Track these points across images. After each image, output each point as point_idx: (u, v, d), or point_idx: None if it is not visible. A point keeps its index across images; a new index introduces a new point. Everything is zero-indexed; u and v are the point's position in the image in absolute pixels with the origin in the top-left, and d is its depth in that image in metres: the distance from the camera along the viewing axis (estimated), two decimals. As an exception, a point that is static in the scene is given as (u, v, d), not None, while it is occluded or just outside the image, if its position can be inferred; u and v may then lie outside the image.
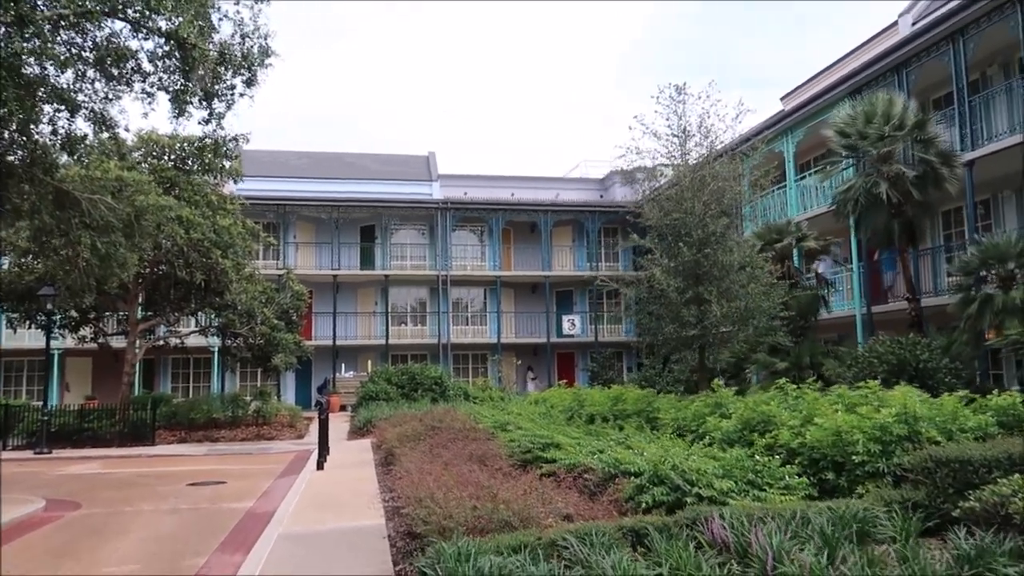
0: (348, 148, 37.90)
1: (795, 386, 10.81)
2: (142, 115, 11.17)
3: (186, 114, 12.21)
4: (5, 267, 20.69)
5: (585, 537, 5.74)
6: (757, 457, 7.80)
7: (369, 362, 31.04)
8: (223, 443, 19.86)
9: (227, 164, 17.05)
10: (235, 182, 20.20)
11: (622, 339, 33.68)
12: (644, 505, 6.81)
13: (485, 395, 23.65)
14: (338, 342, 30.52)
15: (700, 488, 6.99)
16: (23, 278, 19.92)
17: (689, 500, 6.85)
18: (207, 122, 11.86)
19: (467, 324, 33.82)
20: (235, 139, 11.96)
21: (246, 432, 20.92)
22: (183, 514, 10.03)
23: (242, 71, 11.05)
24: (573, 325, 33.10)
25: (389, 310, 31.72)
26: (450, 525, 6.24)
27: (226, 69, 11.35)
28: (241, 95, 11.32)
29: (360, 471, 13.08)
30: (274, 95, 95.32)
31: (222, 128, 11.99)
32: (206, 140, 11.59)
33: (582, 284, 34.29)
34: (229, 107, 11.90)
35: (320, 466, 13.68)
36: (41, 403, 19.05)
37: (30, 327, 22.24)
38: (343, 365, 30.99)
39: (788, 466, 7.75)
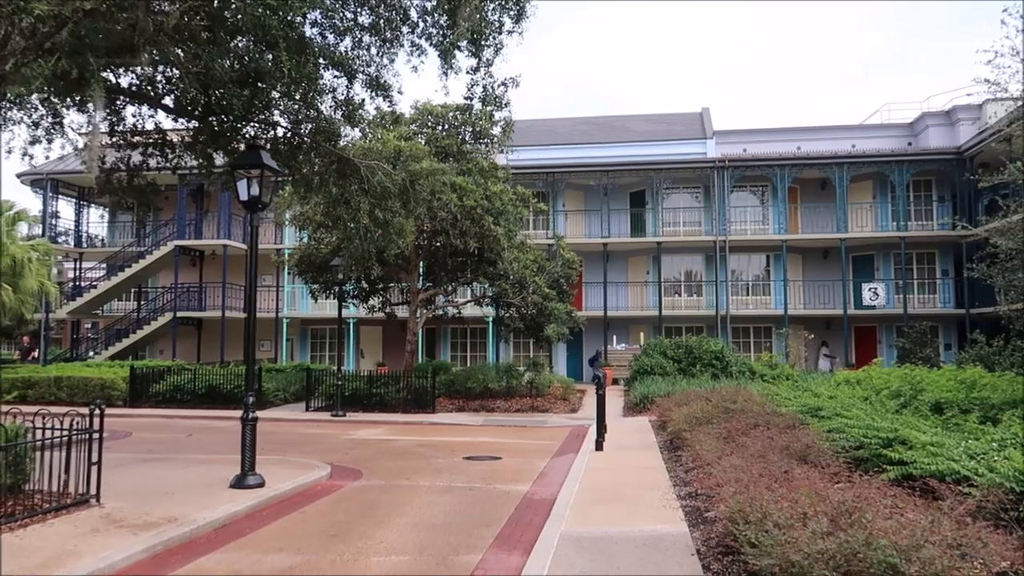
0: (616, 111, 36.35)
1: None
2: (411, 69, 10.66)
3: (454, 67, 11.44)
4: (305, 240, 22.22)
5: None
6: None
7: (641, 334, 29.55)
8: (498, 413, 19.58)
9: (498, 120, 16.32)
10: (507, 136, 19.49)
11: (937, 311, 28.58)
12: None
13: (776, 372, 20.95)
14: (609, 313, 29.39)
15: None
16: (320, 251, 21.21)
17: None
18: (475, 70, 10.96)
19: (747, 294, 30.86)
20: (504, 84, 10.94)
21: (520, 403, 20.50)
22: (457, 494, 9.23)
23: (509, 5, 9.89)
24: (876, 294, 28.69)
25: (661, 279, 29.84)
26: (802, 561, 4.39)
27: (493, 7, 10.31)
28: (509, 32, 10.21)
29: (643, 455, 11.56)
30: (539, 62, 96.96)
31: (491, 76, 11.02)
32: (475, 88, 10.67)
33: (885, 247, 29.63)
34: (497, 51, 10.88)
35: (599, 446, 12.40)
36: (336, 368, 20.11)
37: (328, 297, 23.85)
38: (614, 337, 29.82)
39: None
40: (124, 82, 12.55)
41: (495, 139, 21.09)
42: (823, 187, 30.36)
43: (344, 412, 19.13)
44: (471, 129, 21.03)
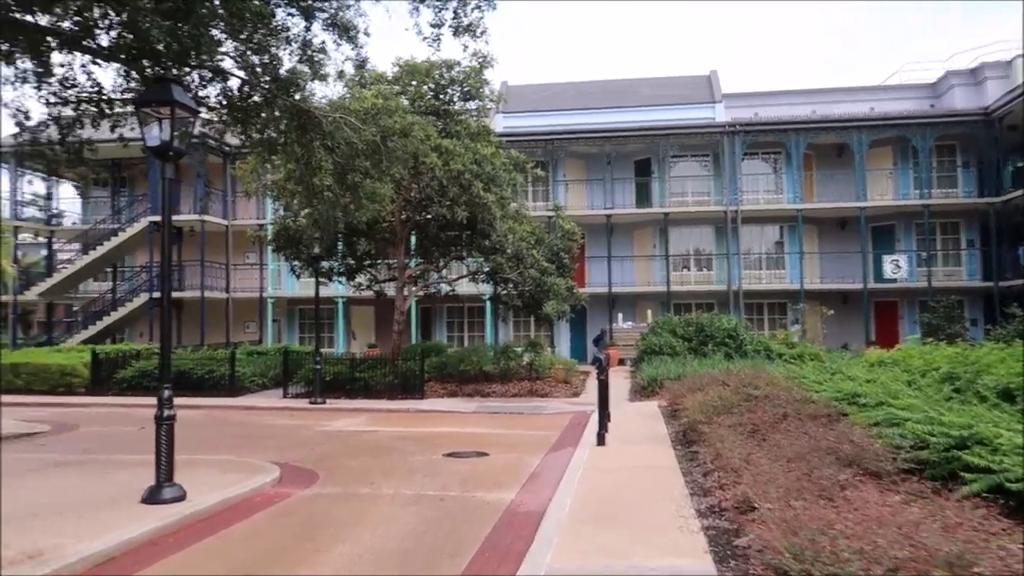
0: (619, 76, 34.16)
1: None
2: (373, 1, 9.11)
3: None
4: (281, 213, 20.49)
5: None
6: None
7: (649, 311, 27.81)
8: (493, 399, 17.94)
9: (483, 69, 14.60)
10: (496, 104, 17.82)
11: (962, 284, 26.74)
12: None
13: (796, 352, 19.20)
14: (614, 289, 27.62)
15: None
16: (297, 224, 19.49)
17: None
18: (447, -2, 9.16)
19: (760, 268, 29.03)
20: (479, 6, 9.12)
21: (518, 387, 18.88)
22: (426, 505, 7.54)
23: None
24: (898, 267, 26.83)
25: (669, 253, 28.03)
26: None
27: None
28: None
29: (653, 451, 9.87)
30: (540, 31, 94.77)
31: (465, 2, 9.20)
32: (443, 14, 8.87)
33: (906, 216, 27.74)
34: (474, -25, 9.08)
35: (601, 440, 10.71)
36: (315, 351, 18.43)
37: (311, 275, 22.12)
38: (620, 315, 28.07)
39: None
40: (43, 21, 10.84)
41: (486, 98, 19.26)
42: (840, 153, 28.43)
43: (324, 399, 17.50)
44: (460, 88, 19.21)
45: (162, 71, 11.01)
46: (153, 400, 18.74)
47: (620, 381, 20.18)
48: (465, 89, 18.94)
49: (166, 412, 7.31)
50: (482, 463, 10.01)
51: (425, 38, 9.41)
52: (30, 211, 30.11)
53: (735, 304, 27.18)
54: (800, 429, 8.23)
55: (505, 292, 21.00)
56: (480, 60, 10.18)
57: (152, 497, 7.08)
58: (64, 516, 6.57)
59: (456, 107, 18.86)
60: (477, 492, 8.12)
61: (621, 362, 25.52)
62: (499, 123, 27.93)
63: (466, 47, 9.43)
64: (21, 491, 7.78)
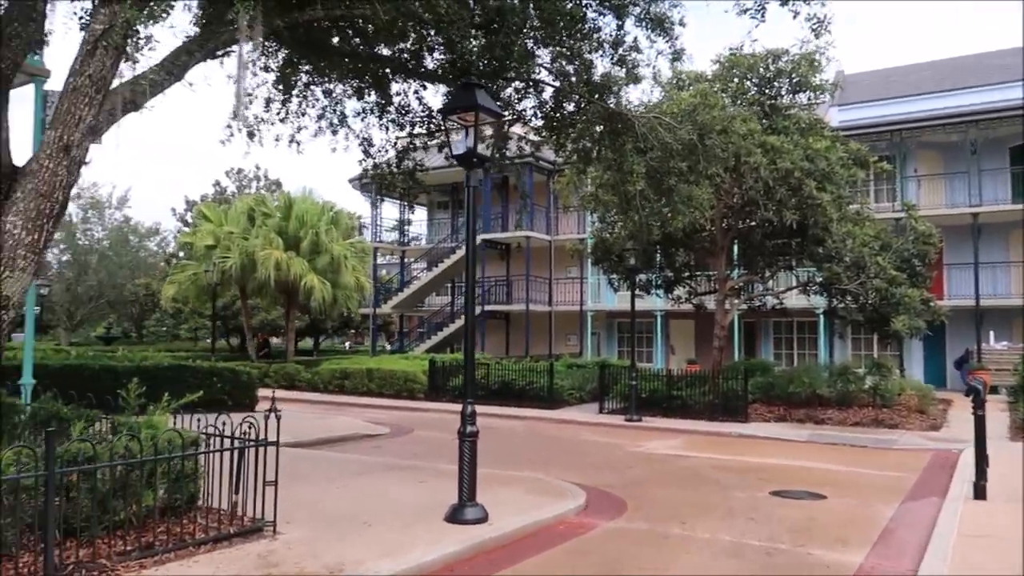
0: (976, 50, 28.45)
1: None
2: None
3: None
4: (598, 226, 20.38)
5: None
6: None
7: (1032, 329, 22.75)
8: (828, 427, 15.75)
9: (820, 57, 12.83)
10: (831, 93, 15.72)
11: None
12: None
13: None
14: (982, 302, 23.07)
15: None
16: (613, 235, 19.23)
17: None
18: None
19: None
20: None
21: (858, 415, 16.35)
22: (748, 560, 6.33)
23: None
24: None
25: (1062, 257, 22.68)
26: None
27: None
28: None
29: (1062, 516, 7.44)
30: (866, 22, 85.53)
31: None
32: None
33: None
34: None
35: (979, 492, 8.45)
36: (631, 366, 17.86)
37: (627, 288, 21.73)
38: (991, 333, 23.36)
39: None
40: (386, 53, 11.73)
41: (818, 89, 17.17)
42: None
43: (640, 416, 16.82)
44: (788, 80, 17.38)
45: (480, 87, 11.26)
46: (479, 408, 19.62)
47: (995, 414, 16.50)
48: (794, 80, 17.07)
49: (468, 429, 7.10)
50: (818, 508, 8.43)
51: (746, 10, 8.22)
52: (391, 235, 34.16)
53: None
54: None
55: (842, 305, 18.52)
56: (814, 26, 8.64)
57: (454, 516, 6.88)
58: (371, 529, 6.61)
59: (784, 101, 17.08)
60: (813, 548, 6.68)
61: (993, 390, 21.09)
62: (833, 117, 25.04)
63: (796, 14, 7.97)
64: (347, 494, 8.18)
